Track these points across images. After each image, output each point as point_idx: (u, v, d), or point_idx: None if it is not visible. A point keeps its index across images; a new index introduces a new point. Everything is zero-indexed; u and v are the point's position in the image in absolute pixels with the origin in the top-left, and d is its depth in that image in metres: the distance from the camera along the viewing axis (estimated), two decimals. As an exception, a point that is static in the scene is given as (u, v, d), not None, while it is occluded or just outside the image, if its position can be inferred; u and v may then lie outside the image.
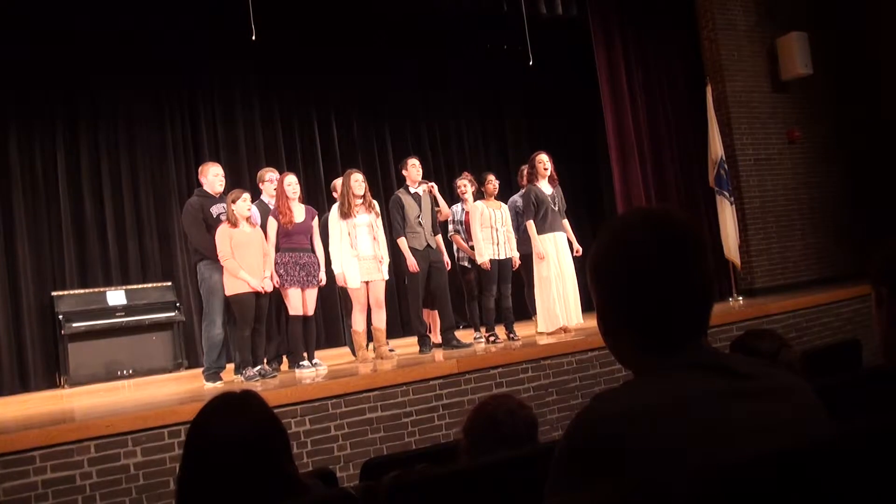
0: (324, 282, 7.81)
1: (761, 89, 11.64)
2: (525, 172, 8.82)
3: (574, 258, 8.51)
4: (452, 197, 9.28)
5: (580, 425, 1.35)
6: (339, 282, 7.73)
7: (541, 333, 8.36)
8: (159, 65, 11.01)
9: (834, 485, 1.24)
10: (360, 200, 7.77)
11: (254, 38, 8.24)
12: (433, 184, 8.56)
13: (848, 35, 11.82)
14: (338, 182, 8.90)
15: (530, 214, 8.36)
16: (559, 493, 1.33)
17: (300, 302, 7.53)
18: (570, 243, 8.55)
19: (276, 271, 7.43)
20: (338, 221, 7.70)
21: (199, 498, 2.05)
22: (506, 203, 8.91)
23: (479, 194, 8.65)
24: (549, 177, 8.53)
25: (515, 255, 8.53)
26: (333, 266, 7.70)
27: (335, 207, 7.85)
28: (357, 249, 7.66)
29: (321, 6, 11.11)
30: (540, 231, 8.32)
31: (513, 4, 10.14)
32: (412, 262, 7.99)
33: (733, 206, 10.47)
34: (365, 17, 11.54)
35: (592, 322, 7.87)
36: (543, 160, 8.51)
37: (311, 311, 7.67)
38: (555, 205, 8.42)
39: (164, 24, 10.51)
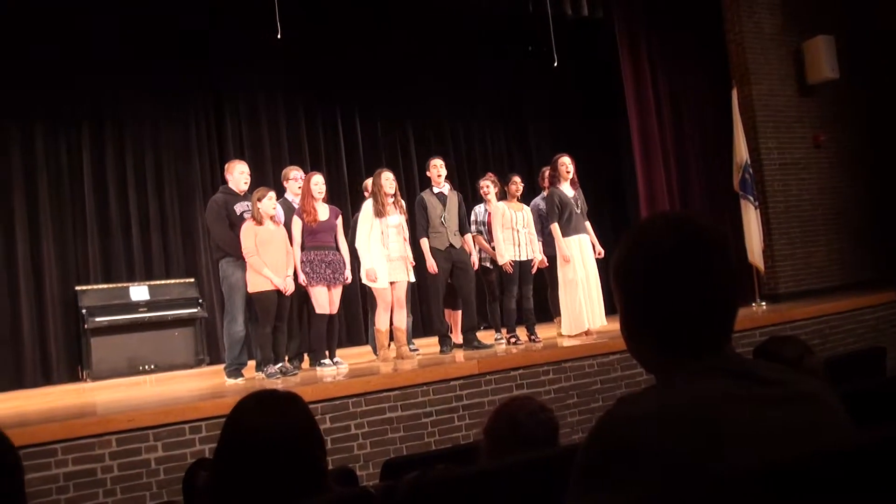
0: (349, 280, 7.83)
1: (787, 93, 11.57)
2: (546, 175, 8.82)
3: (597, 260, 8.51)
4: (475, 197, 9.28)
5: (603, 428, 1.35)
6: (370, 277, 7.70)
7: (564, 336, 8.35)
8: (185, 64, 11.06)
9: (858, 493, 1.24)
10: (392, 199, 7.79)
11: (279, 36, 8.26)
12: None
13: (875, 39, 11.74)
14: (369, 182, 8.94)
15: (555, 217, 8.35)
16: (582, 495, 1.33)
17: (327, 300, 7.54)
18: (593, 245, 8.54)
19: (303, 269, 7.44)
20: (371, 219, 7.71)
21: (233, 488, 2.07)
22: (527, 205, 8.91)
23: (502, 195, 8.64)
24: (570, 179, 8.52)
25: (538, 256, 8.52)
26: (363, 262, 7.71)
27: (367, 205, 7.86)
28: (388, 249, 7.68)
29: (346, 6, 11.15)
30: (564, 234, 8.32)
31: (538, 6, 10.13)
32: (431, 264, 7.98)
33: (758, 210, 10.40)
34: (389, 18, 11.56)
35: (615, 324, 7.87)
36: (566, 163, 8.50)
37: (334, 310, 7.68)
38: (577, 207, 8.42)
39: (190, 23, 10.56)
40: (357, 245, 7.76)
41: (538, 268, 8.66)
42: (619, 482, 1.27)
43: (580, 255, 8.33)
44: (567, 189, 8.47)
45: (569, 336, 8.28)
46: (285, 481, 2.05)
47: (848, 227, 11.80)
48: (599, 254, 8.53)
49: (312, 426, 2.17)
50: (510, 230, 8.34)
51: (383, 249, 7.67)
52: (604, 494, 1.29)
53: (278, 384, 6.48)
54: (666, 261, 1.43)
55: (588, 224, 8.59)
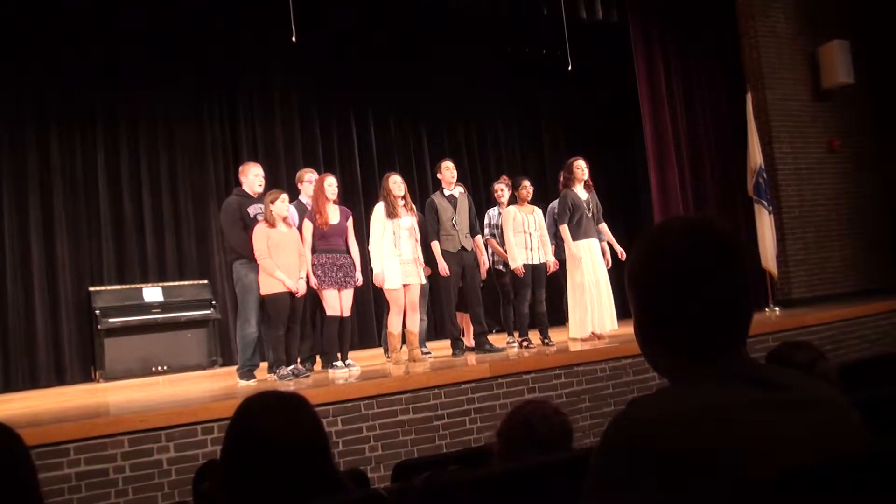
0: (360, 282, 7.83)
1: (802, 98, 11.54)
2: (562, 177, 8.80)
3: (614, 263, 8.51)
4: (489, 200, 9.27)
5: (617, 429, 1.35)
6: (378, 281, 7.74)
7: (573, 339, 8.34)
8: (199, 65, 11.12)
9: (873, 499, 1.23)
10: (402, 202, 7.80)
11: (293, 39, 8.28)
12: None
13: (890, 44, 11.69)
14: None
15: (564, 219, 8.33)
16: (597, 497, 1.33)
17: (337, 302, 7.54)
18: (612, 246, 8.55)
19: (314, 272, 7.45)
20: (383, 220, 7.73)
21: (243, 492, 2.07)
22: (547, 207, 8.92)
23: (513, 199, 8.63)
24: (584, 182, 8.51)
25: (550, 259, 8.50)
26: (374, 264, 7.72)
27: (379, 207, 7.87)
28: (400, 250, 7.69)
29: (361, 8, 11.16)
30: (574, 237, 8.30)
31: (552, 9, 10.13)
32: (443, 267, 7.99)
33: (771, 215, 10.38)
34: (403, 19, 11.57)
35: (626, 329, 7.84)
36: (581, 165, 8.49)
37: (347, 312, 7.67)
38: (589, 210, 8.40)
39: (204, 24, 10.59)
40: (370, 248, 7.77)
41: (552, 271, 8.65)
42: (634, 484, 1.27)
43: (589, 259, 8.31)
44: (581, 192, 8.46)
45: (574, 340, 8.28)
46: (296, 483, 2.04)
47: (862, 232, 11.76)
48: (622, 255, 8.52)
49: (319, 426, 2.17)
50: (522, 233, 8.32)
51: (395, 251, 7.68)
52: (619, 496, 1.29)
53: (290, 386, 6.49)
54: (680, 264, 1.43)
55: (603, 226, 8.60)
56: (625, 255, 8.45)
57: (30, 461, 1.88)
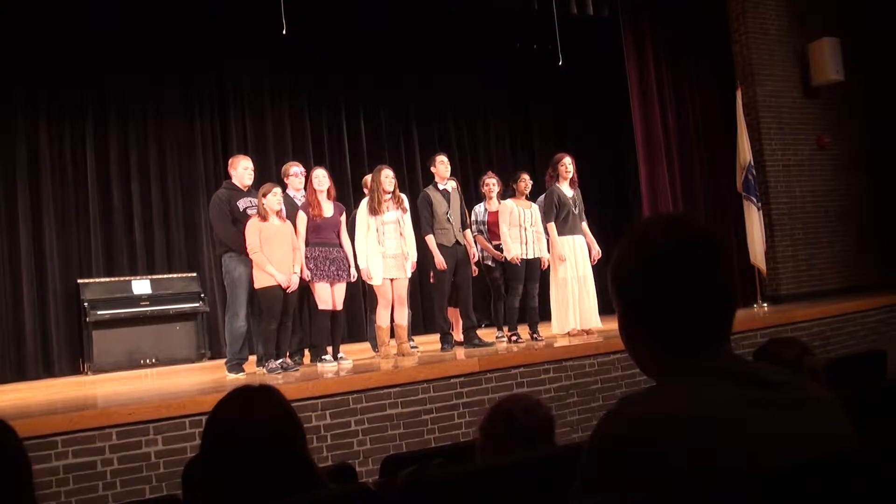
0: (355, 277, 7.81)
1: (791, 94, 11.56)
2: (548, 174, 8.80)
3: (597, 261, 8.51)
4: (477, 196, 9.25)
5: (608, 426, 1.35)
6: (365, 277, 7.72)
7: (553, 336, 8.34)
8: (189, 58, 11.08)
9: (860, 497, 1.24)
10: (390, 196, 7.78)
11: (284, 32, 8.26)
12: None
13: (880, 42, 11.72)
14: (368, 178, 8.91)
15: (551, 216, 8.34)
16: (586, 493, 1.33)
17: (329, 296, 7.53)
18: (589, 246, 8.54)
19: (307, 266, 7.43)
20: (366, 217, 7.70)
21: (219, 486, 2.06)
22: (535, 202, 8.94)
23: (511, 192, 8.62)
24: (570, 179, 8.51)
25: (545, 255, 8.49)
26: (359, 261, 7.70)
27: (364, 203, 7.84)
28: (384, 246, 7.67)
29: (351, 2, 11.14)
30: (560, 233, 8.30)
31: (544, 4, 10.12)
32: (440, 260, 7.96)
33: (760, 211, 10.40)
34: (394, 15, 11.54)
35: (609, 325, 7.80)
36: (566, 163, 8.49)
37: (339, 306, 7.66)
38: (575, 207, 8.40)
39: (194, 16, 10.56)
40: (356, 244, 7.74)
41: (546, 266, 8.64)
42: (622, 480, 1.28)
43: (573, 256, 8.32)
44: (566, 189, 8.46)
45: (558, 335, 8.28)
46: (269, 476, 2.04)
47: (850, 229, 11.79)
48: (597, 254, 8.53)
49: (288, 418, 2.15)
50: (518, 228, 8.31)
51: (379, 247, 7.66)
52: (610, 494, 1.29)
53: (279, 379, 6.48)
54: (662, 262, 1.43)
55: (585, 225, 8.59)
56: (600, 256, 8.49)
57: (24, 456, 1.88)
